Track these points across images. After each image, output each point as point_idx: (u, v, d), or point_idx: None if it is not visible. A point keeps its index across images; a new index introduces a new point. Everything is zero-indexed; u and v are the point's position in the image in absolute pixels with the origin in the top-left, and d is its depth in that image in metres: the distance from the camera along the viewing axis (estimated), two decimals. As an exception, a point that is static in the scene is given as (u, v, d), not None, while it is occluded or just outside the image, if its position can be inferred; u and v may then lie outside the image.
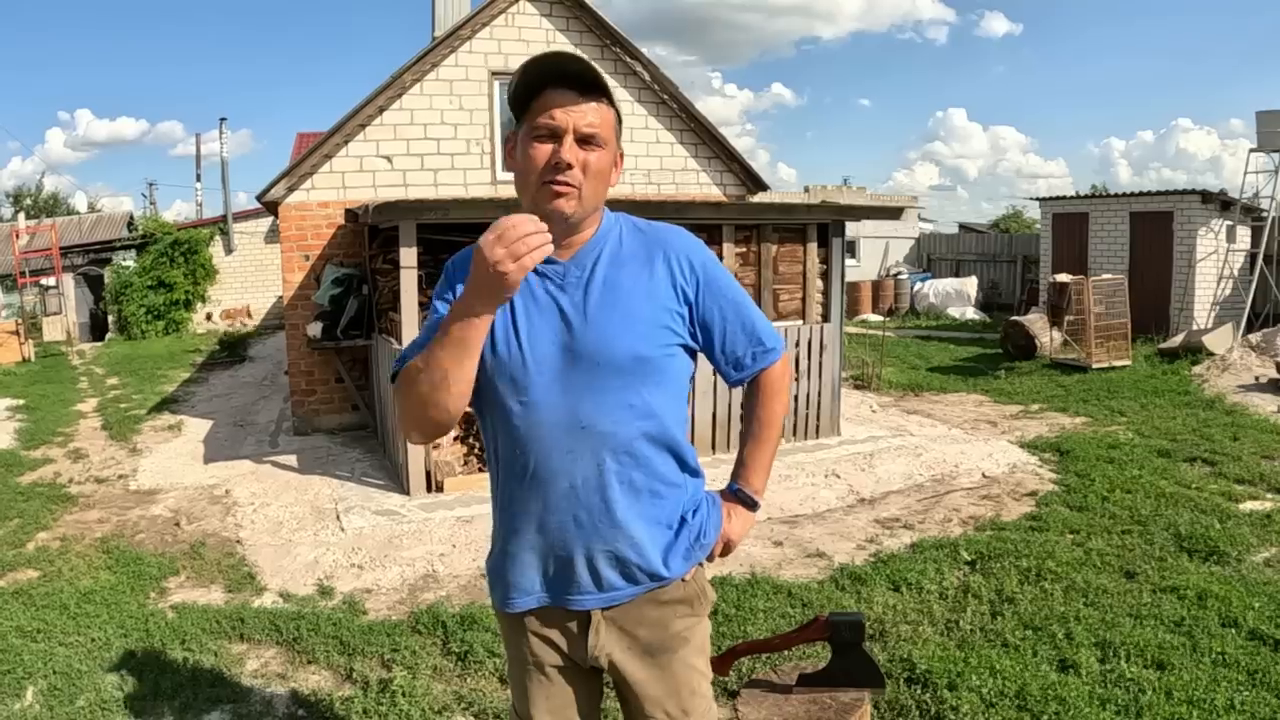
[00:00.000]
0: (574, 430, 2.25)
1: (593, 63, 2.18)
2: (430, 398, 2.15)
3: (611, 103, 2.25)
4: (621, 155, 2.37)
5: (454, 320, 2.08)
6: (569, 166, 2.16)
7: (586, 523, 2.29)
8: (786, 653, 4.35)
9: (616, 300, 2.28)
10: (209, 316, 26.02)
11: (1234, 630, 5.09)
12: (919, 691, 4.51)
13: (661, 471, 2.36)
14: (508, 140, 2.33)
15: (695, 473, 2.48)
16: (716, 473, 2.72)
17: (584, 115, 2.18)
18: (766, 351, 2.48)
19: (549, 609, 2.40)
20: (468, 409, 2.34)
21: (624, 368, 2.25)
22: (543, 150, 2.18)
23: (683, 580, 2.43)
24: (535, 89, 2.19)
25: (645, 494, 2.33)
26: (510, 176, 8.53)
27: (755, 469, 2.59)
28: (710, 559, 2.53)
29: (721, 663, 3.29)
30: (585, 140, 2.18)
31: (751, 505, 2.60)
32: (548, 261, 2.26)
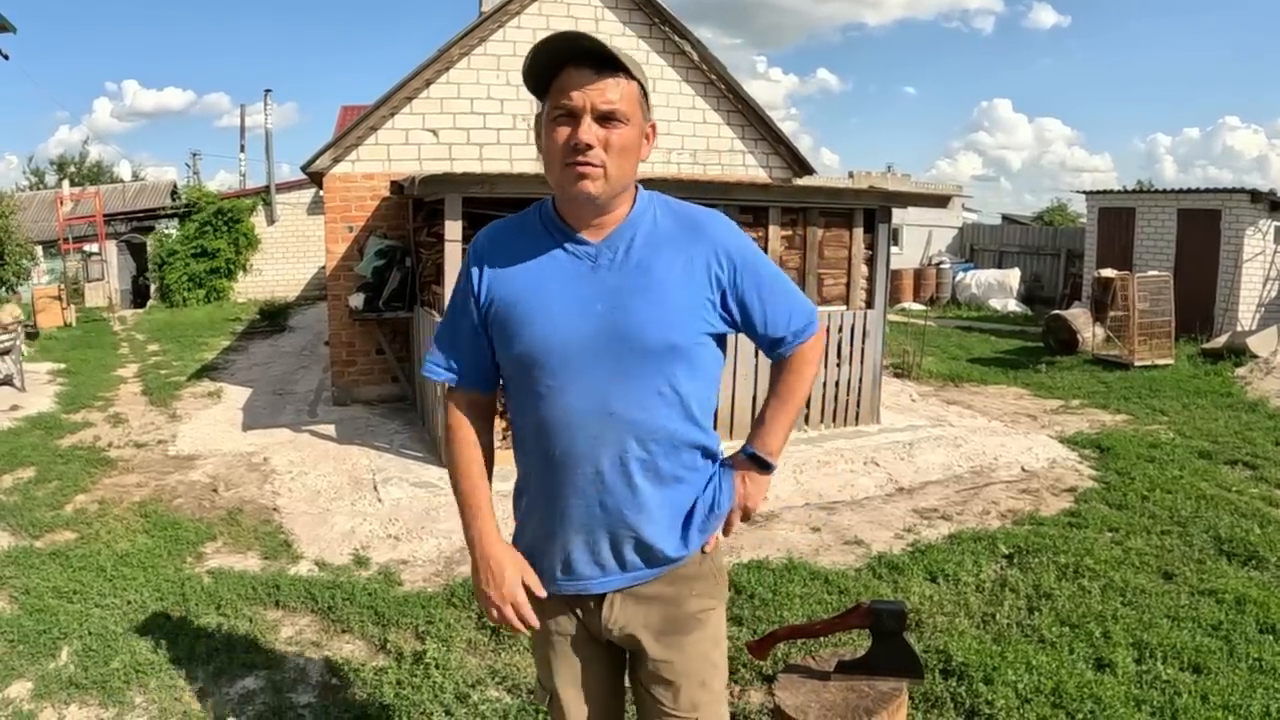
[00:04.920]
0: (602, 416, 2.24)
1: (606, 38, 2.13)
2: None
3: (632, 75, 2.18)
4: (653, 127, 2.32)
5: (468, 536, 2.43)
6: (588, 147, 2.13)
7: (612, 508, 2.29)
8: (823, 639, 4.33)
9: (650, 285, 2.25)
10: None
11: (1272, 636, 5.02)
12: (954, 684, 4.48)
13: (686, 459, 2.36)
14: (536, 123, 2.29)
15: (716, 458, 2.49)
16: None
17: (602, 92, 2.13)
18: (805, 327, 2.47)
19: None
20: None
21: (655, 355, 2.23)
22: (562, 132, 2.15)
23: (702, 553, 2.44)
24: (553, 69, 2.17)
25: (670, 480, 2.33)
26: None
27: (774, 431, 2.54)
28: (729, 529, 2.51)
29: (760, 647, 3.28)
30: (605, 118, 2.15)
31: (765, 467, 2.54)
32: (579, 243, 2.27)
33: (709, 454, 2.43)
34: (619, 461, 2.26)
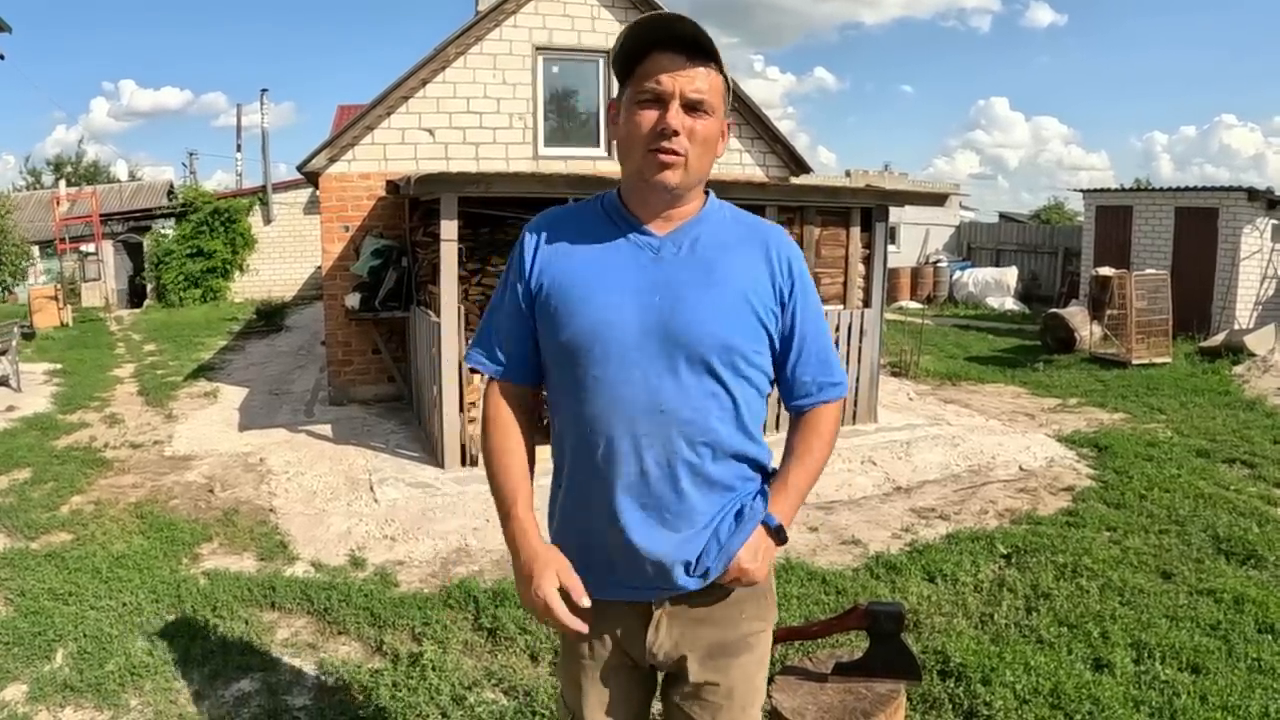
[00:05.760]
0: (652, 414, 2.12)
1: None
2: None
3: (721, 69, 2.12)
4: (729, 125, 2.25)
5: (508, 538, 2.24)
6: (675, 133, 2.05)
7: (655, 514, 2.16)
8: (821, 640, 4.32)
9: (713, 283, 2.15)
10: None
11: (1270, 636, 5.01)
12: (952, 685, 4.47)
13: (735, 468, 2.23)
14: (610, 107, 2.22)
15: (768, 475, 2.35)
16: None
17: (692, 80, 2.06)
18: (834, 385, 2.36)
19: (610, 601, 2.27)
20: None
21: (712, 354, 2.13)
22: (648, 116, 2.07)
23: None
24: (641, 52, 2.08)
25: (720, 489, 2.21)
26: (553, 151, 8.52)
27: (793, 497, 2.32)
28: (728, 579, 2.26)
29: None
30: (693, 106, 2.07)
31: (780, 536, 2.28)
32: (644, 234, 2.19)
33: (759, 467, 2.31)
34: (666, 463, 2.14)
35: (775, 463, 2.39)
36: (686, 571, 2.21)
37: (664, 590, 2.24)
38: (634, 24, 2.07)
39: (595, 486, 2.19)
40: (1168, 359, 14.22)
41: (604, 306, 2.13)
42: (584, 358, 2.14)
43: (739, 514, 2.25)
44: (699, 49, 2.07)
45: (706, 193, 2.29)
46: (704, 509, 2.19)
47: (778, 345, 2.28)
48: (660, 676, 2.46)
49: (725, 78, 2.15)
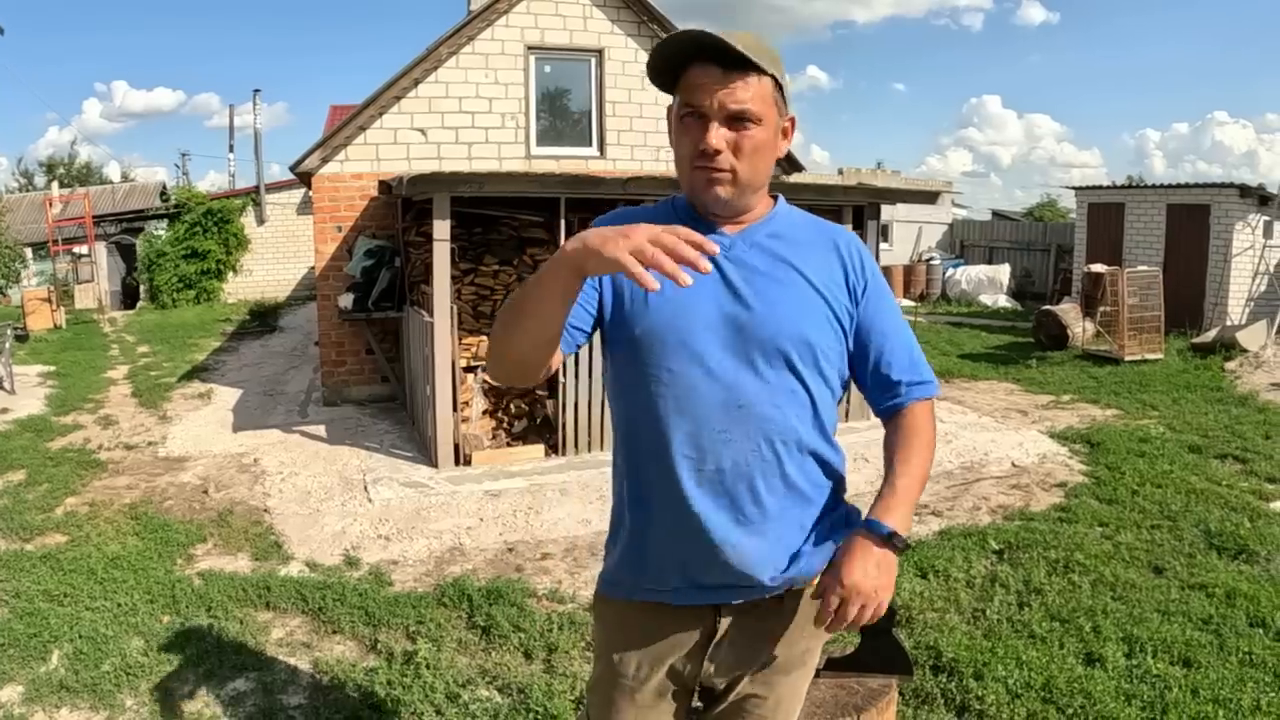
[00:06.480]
0: (730, 409, 2.04)
1: (739, 35, 1.97)
2: (503, 335, 1.98)
3: (763, 71, 2.00)
4: (792, 121, 2.16)
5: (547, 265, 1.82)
6: (716, 152, 1.99)
7: (729, 513, 2.07)
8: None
9: (789, 279, 2.11)
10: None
11: (1262, 630, 5.04)
12: (945, 680, 4.49)
13: (811, 472, 2.15)
14: (669, 113, 2.16)
15: (841, 485, 2.26)
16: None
17: (731, 93, 1.97)
18: (922, 383, 2.23)
19: (675, 609, 2.19)
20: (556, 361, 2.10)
21: (791, 349, 2.06)
22: (690, 135, 2.02)
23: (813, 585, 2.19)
24: (679, 66, 2.03)
25: (796, 493, 2.12)
26: (545, 151, 8.56)
27: (905, 499, 2.09)
28: (831, 617, 1.99)
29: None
30: (735, 119, 2.00)
31: (891, 542, 2.02)
32: (715, 233, 2.12)
33: (833, 473, 2.21)
34: (744, 461, 2.06)
35: (846, 469, 2.30)
36: (770, 574, 2.11)
37: (743, 589, 2.14)
38: (661, 43, 2.01)
39: (669, 485, 2.09)
40: (1160, 355, 14.25)
41: (678, 301, 2.04)
42: (658, 350, 2.07)
43: (827, 522, 2.18)
44: (734, 59, 1.98)
45: (775, 197, 2.25)
46: (777, 512, 2.10)
47: (852, 345, 2.21)
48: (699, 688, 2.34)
49: (773, 77, 2.05)
